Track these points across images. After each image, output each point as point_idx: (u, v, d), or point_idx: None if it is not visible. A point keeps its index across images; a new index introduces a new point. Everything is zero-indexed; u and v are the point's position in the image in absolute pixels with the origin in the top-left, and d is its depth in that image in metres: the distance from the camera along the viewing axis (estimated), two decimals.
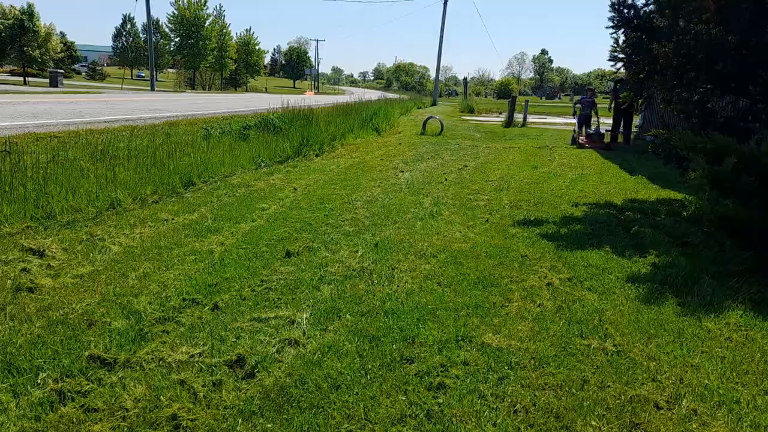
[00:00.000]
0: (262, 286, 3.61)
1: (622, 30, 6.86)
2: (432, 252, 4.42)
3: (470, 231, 5.12)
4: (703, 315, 3.31)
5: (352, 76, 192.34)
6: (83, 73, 66.61)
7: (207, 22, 57.34)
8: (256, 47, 72.17)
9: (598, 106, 15.01)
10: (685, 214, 6.15)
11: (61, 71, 40.61)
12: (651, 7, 6.77)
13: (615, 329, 3.08)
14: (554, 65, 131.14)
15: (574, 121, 15.27)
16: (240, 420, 2.13)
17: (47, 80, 39.49)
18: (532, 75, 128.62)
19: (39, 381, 2.35)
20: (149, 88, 44.88)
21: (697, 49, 5.64)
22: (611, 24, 6.82)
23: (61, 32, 53.26)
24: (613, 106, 14.93)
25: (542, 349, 2.79)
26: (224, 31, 60.94)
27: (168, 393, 2.31)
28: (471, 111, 31.72)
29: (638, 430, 2.16)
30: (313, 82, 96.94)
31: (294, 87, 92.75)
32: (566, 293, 3.64)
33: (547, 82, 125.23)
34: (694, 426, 2.19)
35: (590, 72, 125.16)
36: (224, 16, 62.06)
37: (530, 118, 24.05)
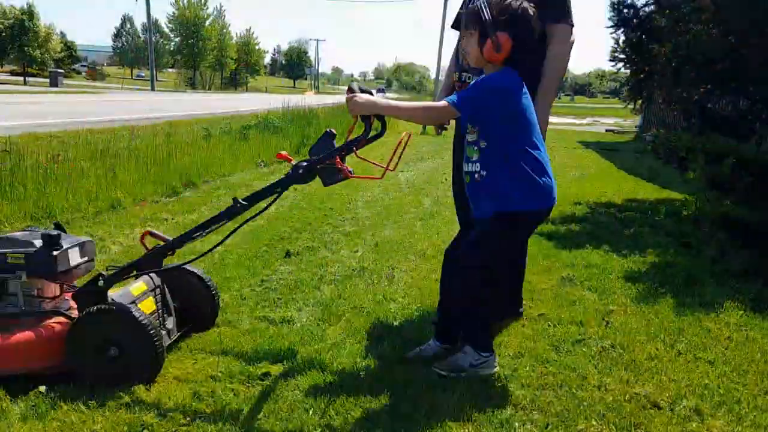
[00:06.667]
0: (262, 285, 3.61)
1: (622, 30, 6.88)
2: (432, 252, 4.42)
3: None
4: (703, 315, 3.31)
5: (352, 76, 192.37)
6: (83, 73, 66.60)
7: (207, 22, 57.36)
8: (256, 47, 72.20)
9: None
10: (685, 213, 6.14)
11: (61, 71, 40.61)
12: (651, 7, 6.78)
13: (615, 329, 3.08)
14: None
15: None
16: (240, 420, 2.14)
17: (47, 80, 39.49)
18: None
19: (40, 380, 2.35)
20: (149, 87, 44.89)
21: (696, 50, 5.64)
22: (611, 24, 6.84)
23: (61, 32, 53.26)
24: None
25: (542, 349, 2.79)
26: (224, 31, 60.95)
27: (167, 393, 2.31)
28: None
29: (638, 430, 2.16)
30: (313, 82, 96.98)
31: (294, 87, 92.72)
32: (566, 293, 3.64)
33: None
34: (694, 426, 2.19)
35: (590, 72, 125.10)
36: (224, 16, 62.07)
37: None
